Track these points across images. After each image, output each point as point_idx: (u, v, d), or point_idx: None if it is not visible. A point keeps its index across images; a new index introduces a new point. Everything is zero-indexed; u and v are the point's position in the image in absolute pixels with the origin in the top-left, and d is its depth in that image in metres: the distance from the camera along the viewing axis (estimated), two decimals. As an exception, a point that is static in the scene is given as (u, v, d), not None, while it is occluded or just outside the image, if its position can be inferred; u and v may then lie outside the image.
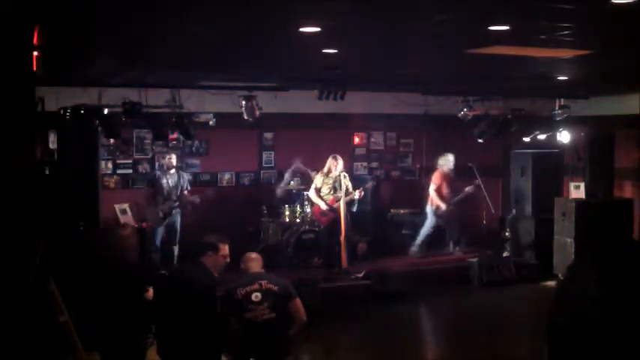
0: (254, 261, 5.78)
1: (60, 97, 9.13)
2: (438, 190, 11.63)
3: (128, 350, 5.50)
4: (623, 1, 4.51)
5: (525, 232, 11.52)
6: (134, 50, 6.87)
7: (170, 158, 10.10)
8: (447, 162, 11.68)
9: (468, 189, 11.54)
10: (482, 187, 11.66)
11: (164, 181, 9.99)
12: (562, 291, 2.70)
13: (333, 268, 10.23)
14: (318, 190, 10.44)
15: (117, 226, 7.96)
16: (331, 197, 10.36)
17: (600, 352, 2.48)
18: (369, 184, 11.00)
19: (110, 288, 5.45)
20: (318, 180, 10.46)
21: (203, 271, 5.30)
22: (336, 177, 10.32)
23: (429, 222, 11.68)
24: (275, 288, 5.56)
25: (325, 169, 10.41)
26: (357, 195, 10.43)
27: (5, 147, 3.87)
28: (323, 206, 10.36)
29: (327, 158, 10.49)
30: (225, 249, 5.38)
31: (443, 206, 11.56)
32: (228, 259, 5.44)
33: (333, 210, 10.31)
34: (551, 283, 10.86)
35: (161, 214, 9.90)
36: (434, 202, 11.65)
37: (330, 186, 10.37)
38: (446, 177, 11.69)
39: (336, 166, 10.29)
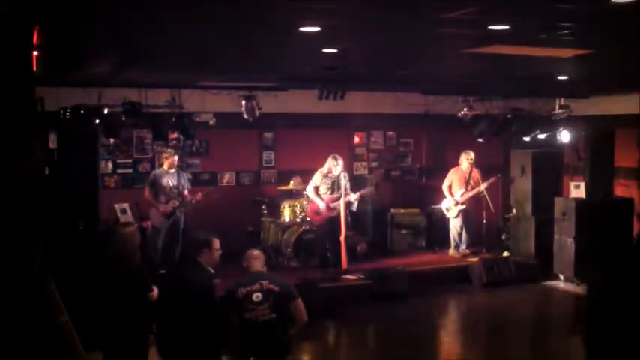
0: (256, 259, 5.77)
1: (60, 97, 9.14)
2: (449, 188, 11.64)
3: (132, 350, 5.50)
4: (623, 1, 4.51)
5: (525, 232, 11.52)
6: (134, 50, 6.86)
7: (173, 159, 10.04)
8: (463, 160, 11.61)
9: (483, 185, 11.47)
10: (500, 182, 11.63)
11: (165, 181, 9.95)
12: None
13: (327, 268, 10.20)
14: (316, 189, 10.33)
15: (120, 224, 7.95)
16: (328, 197, 10.27)
17: None
18: (367, 190, 10.78)
19: (116, 287, 5.45)
20: (317, 178, 10.34)
21: (201, 271, 5.38)
22: (335, 177, 10.28)
23: (451, 221, 11.64)
24: (276, 288, 5.56)
25: (325, 169, 10.30)
26: (352, 198, 10.31)
27: (5, 147, 3.87)
28: (320, 205, 10.23)
29: (327, 158, 10.45)
30: (216, 243, 5.51)
31: (452, 203, 11.55)
32: (220, 252, 5.55)
33: (329, 209, 10.22)
34: (552, 283, 10.87)
35: (164, 215, 9.88)
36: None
37: (328, 186, 10.27)
38: (459, 175, 11.65)
39: (336, 166, 10.22)
